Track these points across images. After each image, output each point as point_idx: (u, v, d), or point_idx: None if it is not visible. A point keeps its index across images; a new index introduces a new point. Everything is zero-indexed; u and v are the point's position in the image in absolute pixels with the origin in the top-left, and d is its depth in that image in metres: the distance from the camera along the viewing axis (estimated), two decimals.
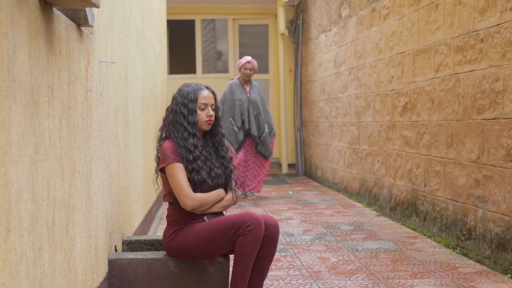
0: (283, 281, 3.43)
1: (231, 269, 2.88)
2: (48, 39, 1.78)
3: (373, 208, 5.88)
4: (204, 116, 2.88)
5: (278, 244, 2.92)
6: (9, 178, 1.42)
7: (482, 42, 3.72)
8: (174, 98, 2.94)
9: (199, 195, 2.78)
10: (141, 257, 2.87)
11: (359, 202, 6.33)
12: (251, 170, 6.78)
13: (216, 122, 2.98)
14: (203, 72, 10.19)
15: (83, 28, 2.33)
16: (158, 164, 2.91)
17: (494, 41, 3.58)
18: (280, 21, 9.37)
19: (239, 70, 6.72)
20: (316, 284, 3.37)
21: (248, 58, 6.67)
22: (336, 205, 6.24)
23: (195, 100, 2.87)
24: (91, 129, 2.47)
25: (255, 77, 8.10)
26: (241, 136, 6.60)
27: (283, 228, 4.96)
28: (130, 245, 3.25)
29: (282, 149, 9.50)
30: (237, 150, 6.60)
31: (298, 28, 9.33)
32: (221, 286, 2.87)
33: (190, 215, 2.83)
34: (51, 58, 1.82)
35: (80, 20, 2.19)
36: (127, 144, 3.65)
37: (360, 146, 6.33)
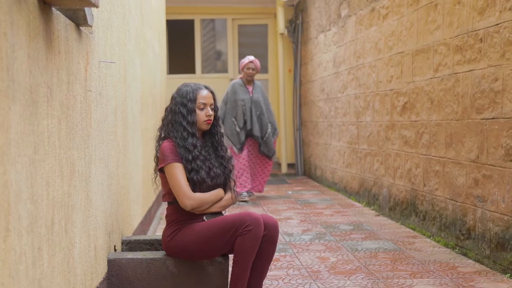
0: (282, 280, 3.44)
1: (230, 269, 2.88)
2: (47, 39, 1.78)
3: (372, 207, 5.88)
4: (203, 115, 2.88)
5: (277, 243, 2.92)
6: (8, 178, 1.42)
7: (481, 41, 3.73)
8: (173, 98, 2.94)
9: (198, 195, 2.78)
10: (140, 257, 2.87)
11: (359, 202, 6.33)
12: (253, 170, 6.76)
13: (215, 122, 2.98)
14: (203, 72, 10.19)
15: (82, 28, 2.33)
16: (157, 164, 2.91)
17: (493, 40, 3.59)
18: (280, 21, 9.37)
19: (242, 70, 6.66)
20: (316, 283, 3.37)
21: (251, 57, 6.61)
22: (336, 205, 6.24)
23: (194, 100, 2.87)
24: (90, 129, 2.47)
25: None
26: (242, 136, 6.55)
27: (282, 228, 4.96)
28: (129, 245, 3.25)
29: (282, 149, 9.49)
30: (240, 150, 6.54)
31: (297, 28, 9.33)
32: (221, 286, 2.87)
33: (189, 215, 2.83)
34: (50, 58, 1.82)
35: (79, 20, 2.20)
36: (126, 144, 3.65)
37: (360, 146, 6.33)
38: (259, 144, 6.63)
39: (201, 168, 2.82)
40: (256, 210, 5.86)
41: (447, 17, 4.20)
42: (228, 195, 2.93)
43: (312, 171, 8.76)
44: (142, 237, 3.31)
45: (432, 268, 3.66)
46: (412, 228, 4.85)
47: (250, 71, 6.60)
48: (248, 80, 6.68)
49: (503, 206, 3.49)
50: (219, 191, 2.88)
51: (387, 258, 3.93)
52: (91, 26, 2.36)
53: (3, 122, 1.38)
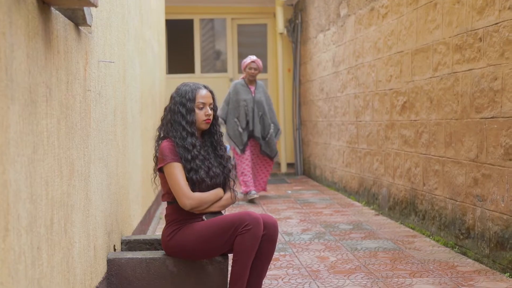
0: (282, 280, 3.44)
1: (230, 268, 2.88)
2: (46, 38, 1.78)
3: (372, 207, 5.88)
4: (202, 115, 2.88)
5: (277, 243, 2.92)
6: (7, 178, 1.42)
7: (481, 41, 3.73)
8: (172, 97, 2.94)
9: (198, 195, 2.78)
10: (140, 257, 2.87)
11: (358, 201, 6.33)
12: (255, 170, 6.73)
13: (214, 121, 2.98)
14: (202, 71, 10.19)
15: (81, 28, 2.33)
16: (156, 164, 2.91)
17: (492, 40, 3.59)
18: (279, 21, 9.37)
19: (244, 69, 6.61)
20: (315, 283, 3.37)
21: (253, 57, 6.57)
22: (335, 204, 6.24)
23: (193, 99, 2.87)
24: (89, 129, 2.47)
25: None
26: (245, 137, 6.49)
27: (282, 227, 4.96)
28: (129, 245, 3.25)
29: (281, 148, 9.49)
30: (242, 151, 6.49)
31: (296, 27, 9.33)
32: (220, 286, 2.87)
33: (188, 214, 2.83)
34: (49, 57, 1.82)
35: (78, 20, 2.19)
36: (126, 144, 3.65)
37: (359, 145, 6.33)
38: (260, 144, 6.60)
39: (200, 168, 2.82)
40: (256, 210, 5.86)
41: (446, 17, 4.20)
42: (228, 194, 2.93)
43: (312, 170, 8.76)
44: (141, 237, 3.31)
45: (431, 267, 3.67)
46: (411, 228, 4.85)
47: (252, 71, 6.56)
48: (250, 80, 6.64)
49: (503, 205, 3.49)
50: (218, 191, 2.88)
51: (386, 257, 3.94)
52: (90, 26, 2.36)
53: (2, 121, 1.38)
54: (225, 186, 2.95)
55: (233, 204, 3.01)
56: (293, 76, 9.56)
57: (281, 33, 9.43)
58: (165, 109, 2.95)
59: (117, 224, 3.18)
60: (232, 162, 3.09)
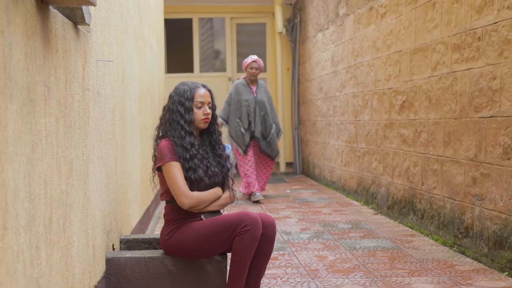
0: (280, 279, 3.44)
1: (228, 267, 2.88)
2: (44, 37, 1.78)
3: (370, 206, 5.88)
4: (200, 114, 2.88)
5: (275, 242, 2.92)
6: (5, 177, 1.42)
7: (479, 40, 3.73)
8: (170, 96, 2.93)
9: (196, 194, 2.78)
10: (138, 256, 2.87)
11: (357, 201, 6.33)
12: (256, 170, 6.70)
13: (213, 121, 2.97)
14: (201, 71, 10.19)
15: (80, 27, 2.33)
16: (155, 163, 2.91)
17: (491, 39, 3.59)
18: (278, 20, 9.37)
19: (245, 69, 6.57)
20: (314, 282, 3.37)
21: (254, 57, 6.53)
22: (334, 204, 6.24)
23: (191, 99, 2.87)
24: (88, 128, 2.47)
25: None
26: (247, 138, 6.45)
27: (280, 227, 4.97)
28: (127, 244, 3.25)
29: (280, 147, 9.49)
30: (245, 152, 6.45)
31: (295, 26, 9.33)
32: (219, 285, 2.87)
33: (187, 213, 2.82)
34: (47, 56, 1.81)
35: (76, 19, 2.19)
36: (125, 143, 3.65)
37: (358, 144, 6.33)
38: (260, 144, 6.57)
39: (198, 167, 2.82)
40: (255, 209, 5.86)
41: (445, 16, 4.20)
42: (226, 193, 2.93)
43: (311, 169, 8.77)
44: (140, 236, 3.31)
45: (430, 266, 3.67)
46: (410, 227, 4.85)
47: (253, 70, 6.52)
48: (252, 80, 6.60)
49: (501, 204, 3.49)
50: (217, 190, 2.88)
51: (385, 256, 3.94)
52: (88, 25, 2.35)
53: (0, 120, 1.38)
54: (223, 185, 2.95)
55: (232, 203, 3.01)
56: (292, 76, 9.56)
57: (280, 33, 9.43)
58: (164, 108, 2.95)
59: (116, 223, 3.18)
60: (232, 162, 3.08)
